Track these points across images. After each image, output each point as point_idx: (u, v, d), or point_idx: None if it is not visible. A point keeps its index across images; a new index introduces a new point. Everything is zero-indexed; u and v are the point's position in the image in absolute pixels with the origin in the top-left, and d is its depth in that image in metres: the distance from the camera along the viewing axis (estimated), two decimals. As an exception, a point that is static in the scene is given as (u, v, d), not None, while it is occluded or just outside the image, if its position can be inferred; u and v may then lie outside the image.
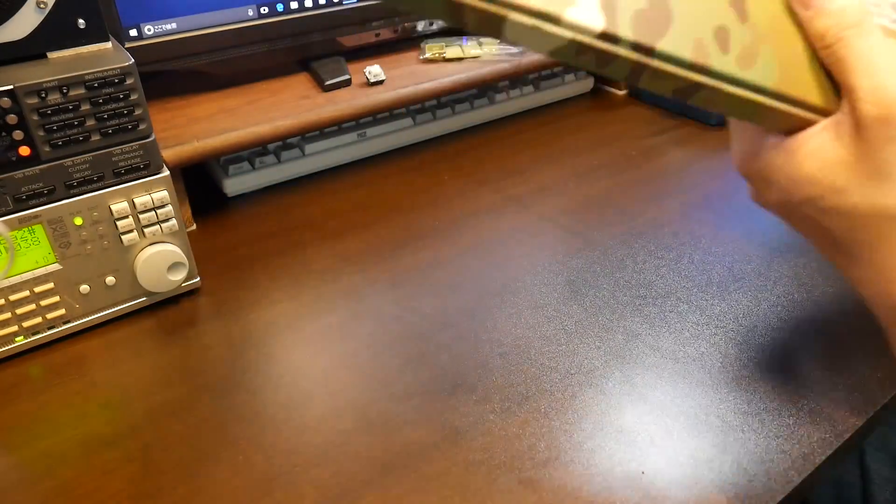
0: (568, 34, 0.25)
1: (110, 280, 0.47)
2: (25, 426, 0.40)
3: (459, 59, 0.78)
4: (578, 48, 0.26)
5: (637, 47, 0.26)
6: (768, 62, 0.30)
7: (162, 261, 0.48)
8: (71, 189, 0.44)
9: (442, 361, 0.43)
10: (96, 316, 0.48)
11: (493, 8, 0.25)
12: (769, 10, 0.30)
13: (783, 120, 0.31)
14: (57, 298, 0.46)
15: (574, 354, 0.44)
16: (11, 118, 0.40)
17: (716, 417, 0.39)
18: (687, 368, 0.42)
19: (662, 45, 0.27)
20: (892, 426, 0.58)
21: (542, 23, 0.25)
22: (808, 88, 0.31)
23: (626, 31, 0.26)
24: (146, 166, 0.46)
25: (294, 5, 0.72)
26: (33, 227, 0.44)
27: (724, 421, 0.39)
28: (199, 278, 0.51)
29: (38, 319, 0.46)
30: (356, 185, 0.67)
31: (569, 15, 0.25)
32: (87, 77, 0.42)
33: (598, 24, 0.25)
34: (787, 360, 0.43)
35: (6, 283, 0.43)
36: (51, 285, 0.45)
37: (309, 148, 0.71)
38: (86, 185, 0.44)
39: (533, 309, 0.48)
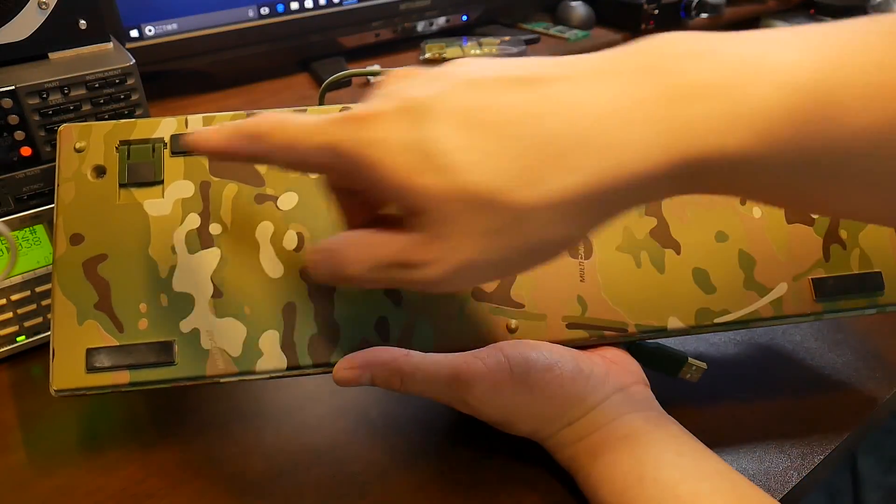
0: (264, 376, 0.34)
1: (111, 280, 0.47)
2: (26, 426, 0.40)
3: (459, 60, 0.78)
4: (276, 377, 0.34)
5: (318, 366, 0.34)
6: (426, 329, 0.35)
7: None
8: (72, 189, 0.44)
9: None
10: (97, 316, 0.48)
11: (206, 381, 0.34)
12: None
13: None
14: (58, 298, 0.46)
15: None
16: (13, 118, 0.40)
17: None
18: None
19: (335, 357, 0.34)
20: (883, 431, 0.58)
21: (243, 377, 0.34)
22: (462, 334, 0.35)
23: (305, 361, 0.34)
24: (147, 167, 0.46)
25: (294, 6, 0.72)
26: (34, 227, 0.44)
27: (723, 422, 0.39)
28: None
29: (40, 319, 0.46)
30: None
31: (259, 366, 0.34)
32: (88, 77, 0.42)
33: (282, 364, 0.34)
34: (786, 360, 0.43)
35: (7, 283, 0.44)
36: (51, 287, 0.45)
37: (309, 148, 0.71)
38: (87, 185, 0.44)
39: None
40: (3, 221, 0.42)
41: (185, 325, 0.34)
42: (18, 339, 0.45)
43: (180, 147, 0.36)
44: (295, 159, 0.26)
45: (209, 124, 0.37)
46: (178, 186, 0.36)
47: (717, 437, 0.37)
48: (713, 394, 0.40)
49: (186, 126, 0.37)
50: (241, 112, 0.37)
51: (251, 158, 0.28)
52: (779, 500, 0.34)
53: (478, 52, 0.79)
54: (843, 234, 0.38)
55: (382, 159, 0.23)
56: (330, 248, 0.27)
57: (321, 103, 0.44)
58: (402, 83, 0.25)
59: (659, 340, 0.38)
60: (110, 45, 0.45)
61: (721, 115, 0.21)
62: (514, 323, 0.35)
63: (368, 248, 0.25)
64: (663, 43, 0.22)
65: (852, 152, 0.21)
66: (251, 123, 0.27)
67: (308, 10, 0.72)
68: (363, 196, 0.29)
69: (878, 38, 0.21)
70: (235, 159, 0.28)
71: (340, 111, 0.26)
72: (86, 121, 0.42)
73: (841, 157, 0.21)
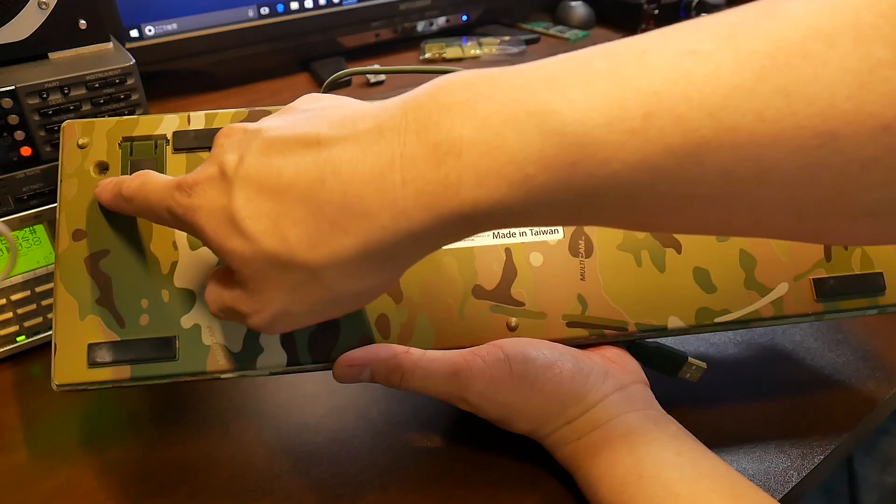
0: (264, 372, 0.35)
1: (111, 280, 0.47)
2: (26, 425, 0.40)
3: (459, 60, 0.79)
4: (277, 374, 0.35)
5: (318, 362, 0.35)
6: (426, 327, 0.35)
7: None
8: (72, 189, 0.44)
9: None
10: (97, 316, 0.48)
11: (206, 376, 0.34)
12: (419, 283, 0.36)
13: None
14: (58, 298, 0.46)
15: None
16: (13, 118, 0.40)
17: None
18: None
19: (335, 354, 0.34)
20: (880, 431, 0.58)
21: (243, 373, 0.34)
22: (462, 332, 0.36)
23: (305, 357, 0.35)
24: (147, 166, 0.46)
25: (294, 6, 0.72)
26: (34, 227, 0.44)
27: (722, 422, 0.39)
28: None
29: (40, 319, 0.46)
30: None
31: (259, 362, 0.34)
32: (88, 77, 0.42)
33: (282, 360, 0.34)
34: (786, 360, 0.43)
35: (7, 283, 0.44)
36: (52, 285, 0.45)
37: (309, 148, 0.71)
38: (87, 185, 0.44)
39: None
40: (3, 221, 0.42)
41: (186, 321, 0.34)
42: (18, 339, 0.45)
43: (182, 144, 0.36)
44: (156, 220, 0.30)
45: (211, 121, 0.37)
46: None
47: (717, 437, 0.37)
48: (713, 393, 0.41)
49: (189, 123, 0.37)
50: (243, 110, 0.37)
51: (133, 214, 0.33)
52: (779, 500, 0.34)
53: (477, 52, 0.79)
54: None
55: (202, 225, 0.26)
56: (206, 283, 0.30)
57: None
58: (219, 144, 0.27)
59: (659, 340, 0.38)
60: (110, 45, 0.45)
61: (476, 170, 0.22)
62: (514, 321, 0.35)
63: (214, 294, 0.28)
64: (444, 90, 0.23)
65: (632, 186, 0.21)
66: (125, 185, 0.31)
67: (308, 10, 0.73)
68: None
69: (654, 60, 0.21)
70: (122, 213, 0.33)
71: (177, 178, 0.28)
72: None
73: (623, 192, 0.21)
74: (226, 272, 0.28)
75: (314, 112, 0.26)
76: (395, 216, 0.23)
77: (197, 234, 0.27)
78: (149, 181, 0.29)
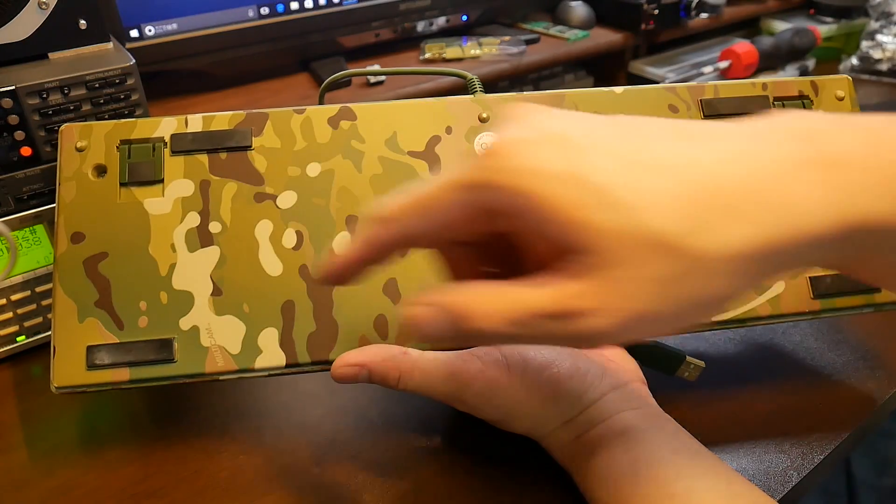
0: (264, 373, 0.35)
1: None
2: (26, 425, 0.40)
3: (459, 60, 0.78)
4: (275, 374, 0.35)
5: (317, 363, 0.35)
6: None
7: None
8: (72, 189, 0.44)
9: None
10: (97, 316, 0.48)
11: (205, 378, 0.34)
12: (418, 283, 0.36)
13: None
14: (58, 298, 0.46)
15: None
16: (13, 118, 0.40)
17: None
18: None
19: (334, 354, 0.34)
20: (878, 433, 0.58)
21: (242, 374, 0.34)
22: None
23: (304, 358, 0.34)
24: (147, 166, 0.46)
25: (294, 6, 0.72)
26: (34, 227, 0.44)
27: (722, 421, 0.39)
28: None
29: (40, 319, 0.46)
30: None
31: (258, 364, 0.34)
32: (88, 77, 0.42)
33: (281, 361, 0.34)
34: (786, 360, 0.43)
35: (7, 283, 0.44)
36: (52, 286, 0.45)
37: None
38: (87, 185, 0.44)
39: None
40: (3, 221, 0.42)
41: (185, 323, 0.34)
42: (18, 339, 0.45)
43: (180, 147, 0.36)
44: (433, 217, 0.24)
45: (209, 123, 0.37)
46: (178, 185, 0.36)
47: (716, 437, 0.37)
48: (712, 393, 0.40)
49: (186, 126, 0.37)
50: (241, 112, 0.37)
51: (388, 249, 0.26)
52: (778, 500, 0.34)
53: (477, 52, 0.79)
54: None
55: (537, 189, 0.21)
56: (446, 301, 0.24)
57: (321, 103, 0.44)
58: (535, 116, 0.23)
59: (657, 339, 0.38)
60: (110, 45, 0.45)
61: (871, 181, 0.21)
62: None
63: (506, 300, 0.22)
64: (796, 117, 0.22)
65: None
66: (370, 216, 0.25)
67: (308, 10, 0.73)
68: (476, 248, 0.28)
69: None
70: (371, 262, 0.27)
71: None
72: (86, 121, 0.43)
73: None
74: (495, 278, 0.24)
75: (634, 118, 0.23)
76: (804, 214, 0.21)
77: (517, 201, 0.22)
78: (407, 192, 0.25)
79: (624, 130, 0.22)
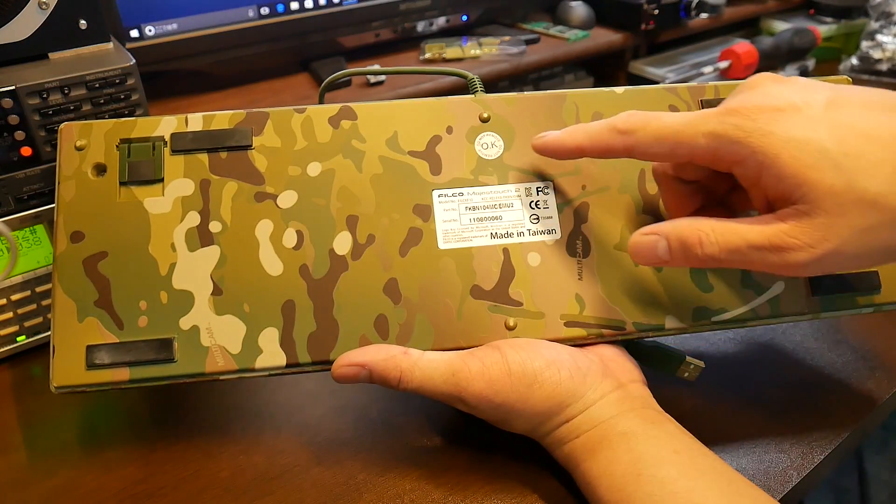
0: (264, 373, 0.35)
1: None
2: (26, 426, 0.40)
3: (459, 60, 0.78)
4: (276, 374, 0.35)
5: (317, 363, 0.35)
6: (425, 327, 0.35)
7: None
8: (72, 189, 0.44)
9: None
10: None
11: (205, 378, 0.34)
12: (418, 284, 0.36)
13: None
14: (58, 298, 0.46)
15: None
16: (13, 118, 0.40)
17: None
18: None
19: (334, 354, 0.34)
20: (890, 430, 0.58)
21: (242, 374, 0.34)
22: (461, 332, 0.35)
23: (304, 358, 0.35)
24: (147, 166, 0.46)
25: (294, 6, 0.72)
26: (34, 227, 0.44)
27: (722, 421, 0.39)
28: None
29: (40, 319, 0.46)
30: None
31: (259, 363, 0.34)
32: (88, 77, 0.42)
33: (281, 361, 0.34)
34: (786, 360, 0.43)
35: (7, 283, 0.44)
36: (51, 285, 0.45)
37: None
38: (87, 185, 0.44)
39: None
40: (3, 221, 0.42)
41: (185, 323, 0.34)
42: (18, 339, 0.45)
43: (180, 146, 0.36)
44: (669, 148, 0.30)
45: (209, 122, 0.37)
46: (178, 184, 0.36)
47: (716, 437, 0.37)
48: (713, 393, 0.41)
49: (186, 125, 0.37)
50: (241, 111, 0.37)
51: (613, 152, 0.32)
52: (779, 500, 0.34)
53: (477, 52, 0.79)
54: None
55: (777, 149, 0.27)
56: (674, 229, 0.30)
57: (321, 102, 0.44)
58: (773, 86, 0.29)
59: (657, 339, 0.38)
60: (110, 45, 0.45)
61: None
62: (512, 321, 0.35)
63: (730, 231, 0.28)
64: None
65: None
66: (618, 120, 0.31)
67: (308, 10, 0.73)
68: (701, 186, 0.34)
69: None
70: (592, 153, 0.33)
71: (719, 108, 0.29)
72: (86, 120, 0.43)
73: None
74: (713, 214, 0.30)
75: (872, 90, 0.29)
76: None
77: (755, 158, 0.28)
78: (655, 114, 0.31)
79: (844, 101, 0.28)
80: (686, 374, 0.38)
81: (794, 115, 0.27)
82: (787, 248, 0.27)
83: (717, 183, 0.34)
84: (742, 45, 0.86)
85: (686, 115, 0.30)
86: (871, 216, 0.26)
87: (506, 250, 0.36)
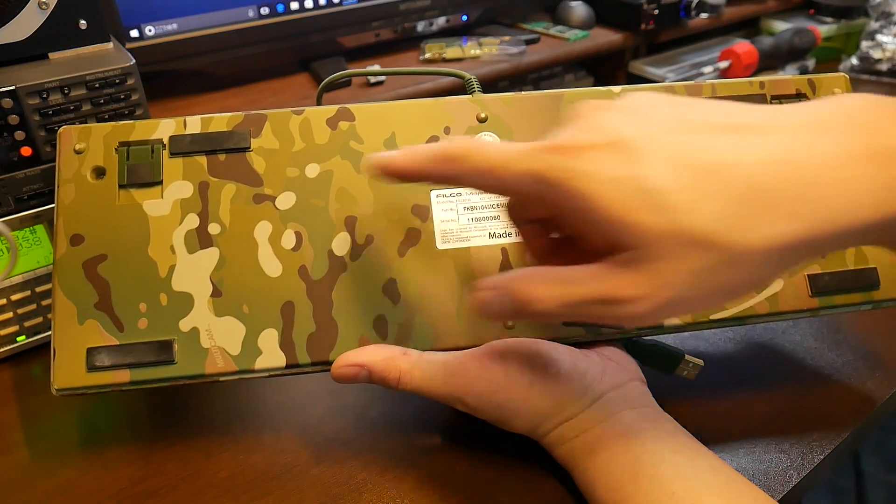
0: (264, 374, 0.35)
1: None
2: (26, 426, 0.40)
3: (459, 60, 0.78)
4: (275, 375, 0.35)
5: (317, 364, 0.35)
6: (424, 327, 0.35)
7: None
8: (72, 189, 0.44)
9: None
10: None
11: (205, 379, 0.34)
12: (417, 284, 0.36)
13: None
14: (58, 298, 0.46)
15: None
16: (13, 118, 0.40)
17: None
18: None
19: (334, 355, 0.34)
20: (887, 430, 0.58)
21: (242, 375, 0.34)
22: (460, 333, 0.36)
23: (304, 359, 0.35)
24: (147, 166, 0.46)
25: (294, 6, 0.72)
26: (34, 227, 0.44)
27: (722, 421, 0.39)
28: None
29: (40, 319, 0.46)
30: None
31: (258, 364, 0.34)
32: (88, 77, 0.42)
33: (281, 362, 0.34)
34: (785, 359, 0.43)
35: (7, 283, 0.44)
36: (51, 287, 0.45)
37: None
38: (87, 185, 0.44)
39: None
40: (3, 221, 0.42)
41: (185, 324, 0.34)
42: (19, 339, 0.45)
43: (178, 149, 0.36)
44: (491, 183, 0.27)
45: (207, 125, 0.37)
46: (177, 187, 0.36)
47: (716, 437, 0.37)
48: (713, 393, 0.41)
49: (185, 127, 0.37)
50: (239, 114, 0.37)
51: (443, 179, 0.28)
52: (779, 500, 0.34)
53: (477, 52, 0.79)
54: None
55: (595, 192, 0.24)
56: (508, 285, 0.27)
57: (319, 103, 0.44)
58: (602, 117, 0.25)
59: (656, 337, 0.38)
60: (110, 45, 0.45)
61: None
62: (511, 321, 0.35)
63: (562, 286, 0.25)
64: (861, 105, 0.24)
65: None
66: (446, 147, 0.27)
67: (308, 10, 0.73)
68: (547, 223, 0.30)
69: None
70: (424, 179, 0.29)
71: (544, 142, 0.25)
72: (86, 121, 0.43)
73: None
74: (563, 246, 0.28)
75: (713, 107, 0.25)
76: (847, 208, 0.23)
77: (573, 204, 0.24)
78: (486, 143, 0.27)
79: (683, 127, 0.24)
80: (685, 373, 0.38)
81: (617, 152, 0.24)
82: (622, 301, 0.24)
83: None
84: (742, 45, 0.86)
85: (516, 147, 0.26)
86: (705, 257, 0.23)
87: (504, 250, 0.36)
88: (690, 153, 0.23)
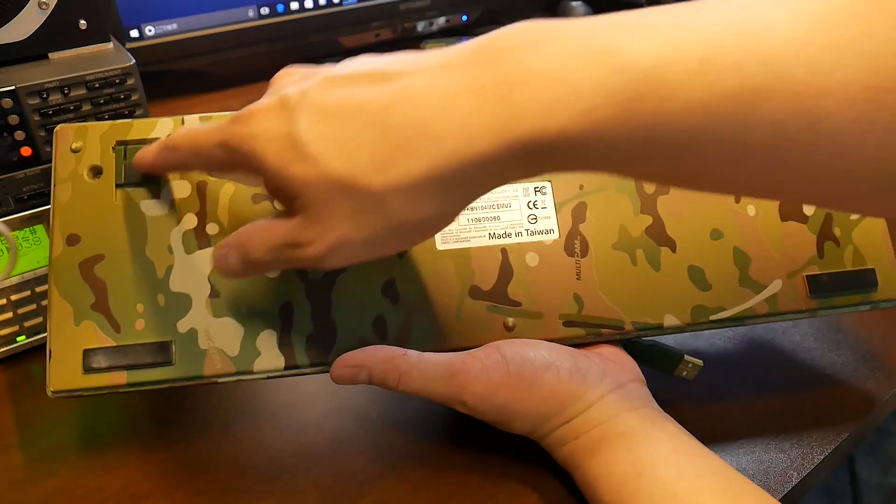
0: (262, 375, 0.34)
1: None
2: (25, 426, 0.40)
3: (459, 60, 0.78)
4: (274, 377, 0.35)
5: (316, 364, 0.34)
6: (423, 328, 0.35)
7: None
8: (72, 189, 0.44)
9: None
10: (97, 316, 0.48)
11: (203, 381, 0.34)
12: (416, 285, 0.36)
13: None
14: (58, 298, 0.46)
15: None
16: (13, 118, 0.40)
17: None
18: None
19: (333, 356, 0.34)
20: (882, 432, 0.58)
21: (240, 376, 0.34)
22: (459, 333, 0.36)
23: (303, 360, 0.34)
24: (147, 166, 0.46)
25: (294, 6, 0.72)
26: (34, 227, 0.44)
27: (722, 421, 0.39)
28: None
29: (39, 319, 0.46)
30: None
31: (257, 366, 0.34)
32: (88, 77, 0.42)
33: (280, 363, 0.34)
34: (785, 359, 0.43)
35: (7, 283, 0.44)
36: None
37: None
38: (87, 185, 0.44)
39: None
40: (3, 221, 0.42)
41: (183, 326, 0.34)
42: (18, 339, 0.45)
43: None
44: (202, 161, 0.30)
45: (205, 124, 0.37)
46: (175, 186, 0.36)
47: (716, 436, 0.37)
48: (713, 393, 0.40)
49: (183, 126, 0.37)
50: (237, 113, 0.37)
51: (175, 167, 0.34)
52: (779, 500, 0.34)
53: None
54: (837, 231, 0.38)
55: (262, 151, 0.26)
56: (235, 240, 0.30)
57: None
58: (281, 81, 0.29)
59: (655, 338, 0.38)
60: (110, 45, 0.45)
61: (542, 99, 0.22)
62: (511, 321, 0.35)
63: (265, 235, 0.28)
64: (509, 34, 0.24)
65: (690, 129, 0.22)
66: (170, 137, 0.32)
67: (308, 10, 0.73)
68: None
69: (720, 10, 0.22)
70: (165, 170, 0.34)
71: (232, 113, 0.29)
72: (86, 121, 0.43)
73: (681, 134, 0.22)
74: (277, 214, 0.30)
75: (368, 59, 0.27)
76: (465, 140, 0.23)
77: (253, 164, 0.27)
78: (195, 127, 0.31)
79: (334, 82, 0.26)
80: (685, 373, 0.38)
81: (279, 111, 0.26)
82: (301, 244, 0.27)
83: None
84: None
85: (214, 124, 0.30)
86: (352, 200, 0.25)
87: (504, 250, 0.36)
88: (333, 103, 0.25)
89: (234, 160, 0.28)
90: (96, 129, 0.37)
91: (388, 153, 0.24)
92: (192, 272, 0.35)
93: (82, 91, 0.42)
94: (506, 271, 0.36)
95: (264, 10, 0.70)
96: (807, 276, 0.37)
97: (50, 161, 0.42)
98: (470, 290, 0.36)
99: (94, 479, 0.37)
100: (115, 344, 0.34)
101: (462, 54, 0.25)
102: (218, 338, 0.34)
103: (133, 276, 0.35)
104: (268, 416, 0.40)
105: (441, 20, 0.83)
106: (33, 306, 0.45)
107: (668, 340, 0.39)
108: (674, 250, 0.37)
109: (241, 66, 0.75)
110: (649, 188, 0.38)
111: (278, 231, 0.28)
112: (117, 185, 0.36)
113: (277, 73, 0.30)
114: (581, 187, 0.37)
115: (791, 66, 0.21)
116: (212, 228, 0.35)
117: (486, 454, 0.37)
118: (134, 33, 0.65)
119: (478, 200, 0.37)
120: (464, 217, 0.37)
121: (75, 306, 0.34)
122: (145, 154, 0.33)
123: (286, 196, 0.28)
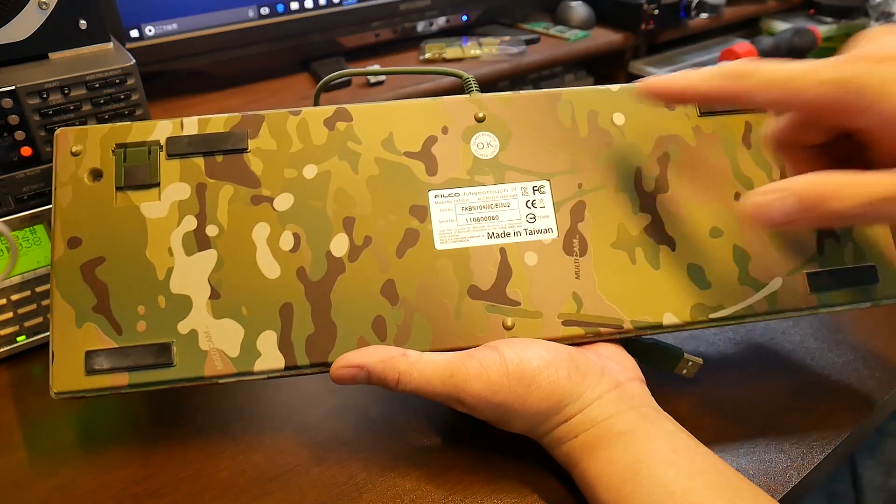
0: (263, 376, 0.34)
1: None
2: (26, 426, 0.40)
3: (459, 60, 0.78)
4: (274, 377, 0.35)
5: (316, 365, 0.35)
6: (422, 328, 0.35)
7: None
8: (72, 189, 0.44)
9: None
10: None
11: (204, 381, 0.34)
12: (415, 285, 0.36)
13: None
14: (58, 298, 0.46)
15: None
16: (13, 118, 0.41)
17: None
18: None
19: (333, 356, 0.34)
20: (884, 433, 0.57)
21: (241, 377, 0.34)
22: (458, 333, 0.36)
23: (303, 360, 0.34)
24: (147, 167, 0.46)
25: (294, 6, 0.72)
26: (34, 227, 0.44)
27: (722, 421, 0.39)
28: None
29: (40, 319, 0.46)
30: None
31: (257, 366, 0.34)
32: (88, 77, 0.42)
33: (280, 364, 0.34)
34: (785, 360, 0.43)
35: (7, 282, 0.44)
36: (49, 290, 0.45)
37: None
38: (87, 185, 0.44)
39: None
40: (3, 221, 0.42)
41: (183, 327, 0.34)
42: (19, 339, 0.45)
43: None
44: (787, 95, 0.28)
45: (204, 126, 0.37)
46: (175, 189, 0.36)
47: (716, 436, 0.37)
48: (712, 393, 0.40)
49: (182, 128, 0.37)
50: (236, 115, 0.37)
51: (724, 98, 0.30)
52: (779, 500, 0.34)
53: (477, 52, 0.79)
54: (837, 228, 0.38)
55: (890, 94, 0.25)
56: (790, 187, 0.27)
57: (316, 103, 0.44)
58: (882, 39, 0.28)
59: (655, 336, 0.38)
60: (110, 45, 0.45)
61: None
62: (510, 321, 0.35)
63: (866, 185, 0.26)
64: None
65: None
66: (730, 65, 0.30)
67: (308, 10, 0.73)
68: (822, 149, 0.32)
69: None
70: (703, 102, 0.33)
71: (840, 56, 0.28)
72: (86, 121, 0.43)
73: None
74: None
75: None
76: None
77: (881, 106, 0.26)
78: (769, 60, 0.29)
79: None
80: (685, 371, 0.38)
81: None
82: None
83: (838, 146, 0.32)
84: (742, 45, 0.86)
85: (804, 62, 0.28)
86: None
87: (503, 250, 0.36)
88: None
89: (845, 102, 0.27)
90: (96, 133, 0.37)
91: None
92: (193, 274, 0.35)
93: (82, 91, 0.42)
94: (504, 271, 0.36)
95: (264, 10, 0.70)
96: (807, 273, 0.37)
97: (50, 161, 0.43)
98: (469, 290, 0.36)
99: (95, 478, 0.37)
100: (116, 345, 0.34)
101: None
102: (218, 339, 0.34)
103: (134, 278, 0.35)
104: (268, 417, 0.40)
105: (441, 20, 0.83)
106: (33, 306, 0.45)
107: (667, 339, 0.39)
108: (673, 249, 0.37)
109: (241, 66, 0.75)
110: (648, 186, 0.38)
111: (886, 184, 0.25)
112: (117, 188, 0.36)
113: (875, 29, 0.29)
114: (580, 186, 0.37)
115: None
116: (211, 230, 0.36)
117: (486, 453, 0.37)
118: (134, 33, 0.65)
119: (476, 200, 0.37)
120: (462, 217, 0.37)
121: (77, 308, 0.34)
122: (677, 83, 0.31)
123: None
